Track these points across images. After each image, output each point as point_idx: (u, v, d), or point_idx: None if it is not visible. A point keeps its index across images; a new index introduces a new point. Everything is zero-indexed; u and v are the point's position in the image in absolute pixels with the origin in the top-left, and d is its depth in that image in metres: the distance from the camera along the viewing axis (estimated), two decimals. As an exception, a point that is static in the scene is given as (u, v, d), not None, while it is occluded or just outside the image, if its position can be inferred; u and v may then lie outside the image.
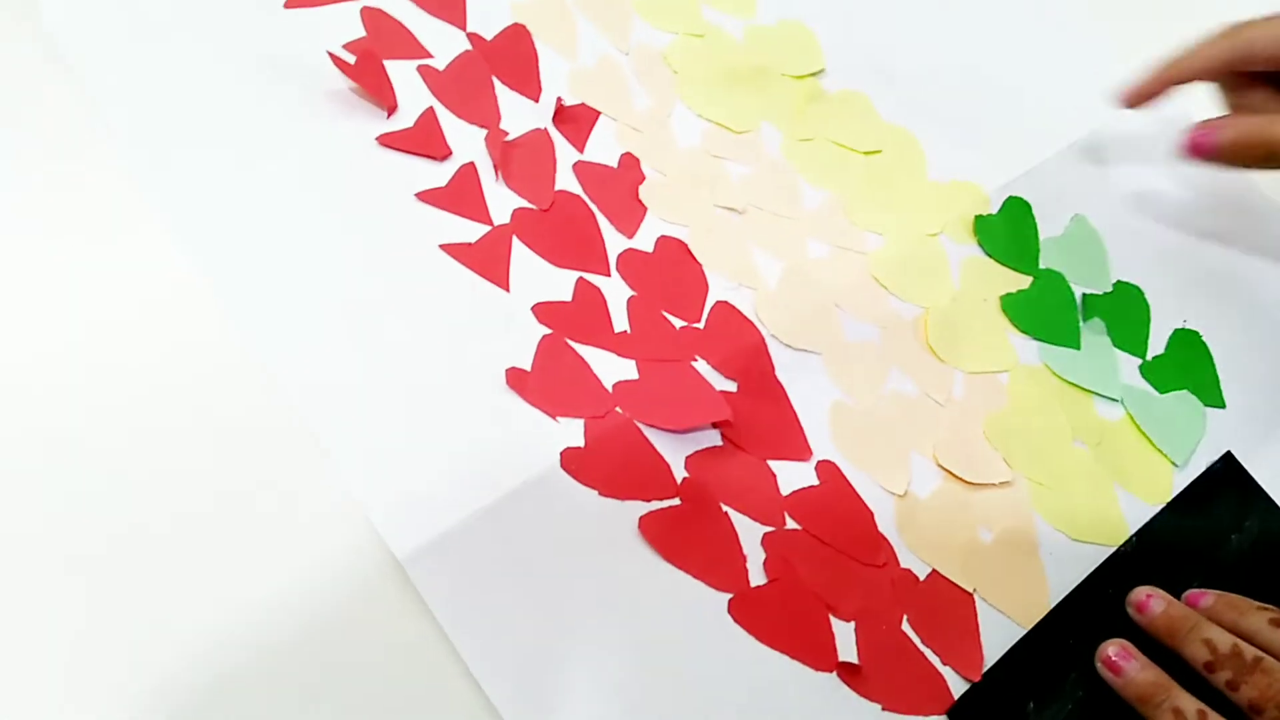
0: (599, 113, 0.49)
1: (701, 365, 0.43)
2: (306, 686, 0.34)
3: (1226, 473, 0.45)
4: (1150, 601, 0.40)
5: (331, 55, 0.45)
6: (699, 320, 0.44)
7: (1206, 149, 0.46)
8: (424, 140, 0.45)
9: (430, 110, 0.46)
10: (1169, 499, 0.44)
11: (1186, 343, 0.50)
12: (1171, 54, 0.47)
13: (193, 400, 0.38)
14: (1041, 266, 0.50)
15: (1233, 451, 0.46)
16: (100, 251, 0.41)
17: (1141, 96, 0.48)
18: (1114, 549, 0.42)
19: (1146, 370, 0.48)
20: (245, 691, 0.34)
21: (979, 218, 0.51)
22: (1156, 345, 0.49)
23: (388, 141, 0.45)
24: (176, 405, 0.38)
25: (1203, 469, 0.45)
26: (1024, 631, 0.40)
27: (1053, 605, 0.41)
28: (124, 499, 0.36)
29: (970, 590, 0.40)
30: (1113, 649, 0.38)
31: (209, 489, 0.37)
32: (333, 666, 0.34)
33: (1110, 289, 0.51)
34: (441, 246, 0.43)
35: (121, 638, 0.34)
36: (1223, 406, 0.48)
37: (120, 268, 0.41)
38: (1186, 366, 0.49)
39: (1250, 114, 0.47)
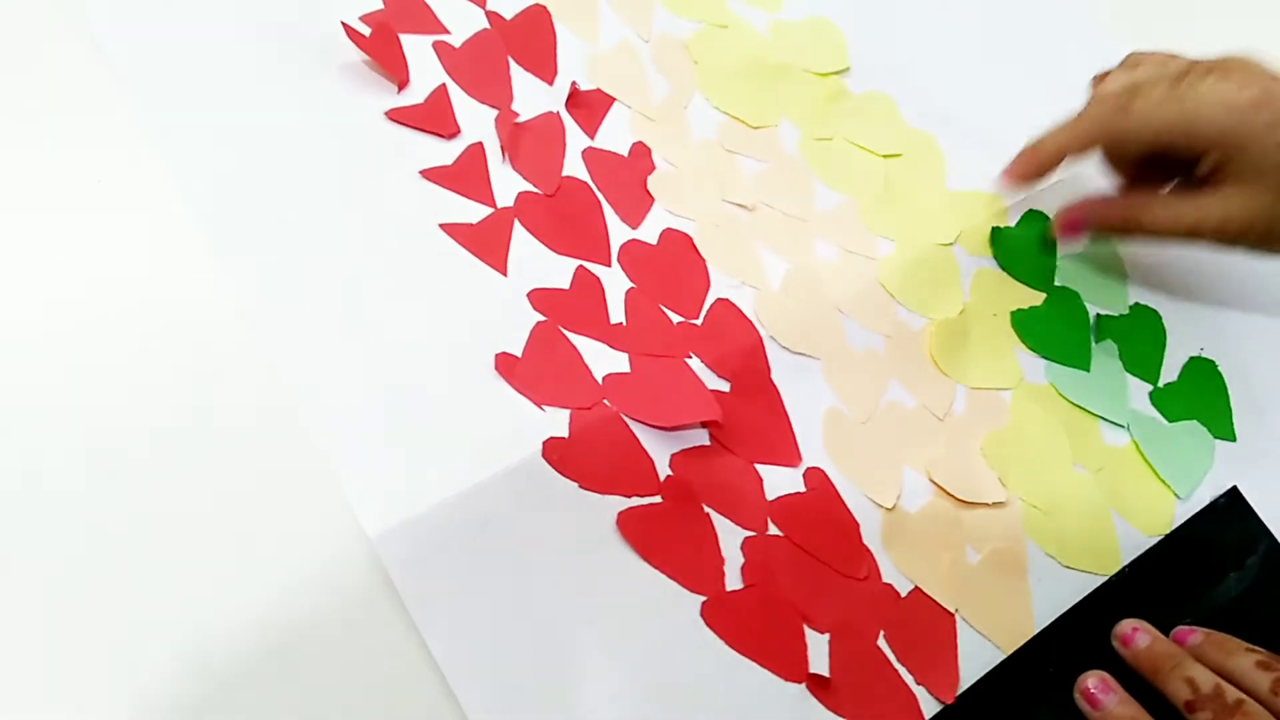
0: (614, 99, 0.49)
1: (695, 363, 0.42)
2: (270, 677, 0.34)
3: (1231, 508, 0.44)
4: (1136, 635, 0.39)
5: (345, 26, 0.44)
6: (697, 317, 0.43)
7: (1075, 230, 0.47)
8: (433, 117, 0.45)
9: (442, 87, 0.46)
10: (1168, 531, 0.43)
11: (1201, 372, 0.48)
12: (1038, 136, 0.45)
13: (177, 358, 0.38)
14: (1057, 284, 0.49)
15: (1239, 487, 0.44)
16: (104, 203, 0.41)
17: (1016, 180, 0.45)
18: (1105, 578, 0.41)
19: (1157, 397, 0.47)
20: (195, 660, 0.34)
21: (995, 230, 0.50)
22: (1169, 373, 0.48)
23: (396, 116, 0.45)
24: (160, 361, 0.38)
25: (1206, 502, 0.44)
26: (1004, 656, 0.39)
27: (1037, 631, 0.40)
28: (97, 455, 0.36)
29: (952, 610, 0.39)
30: (1092, 681, 0.37)
31: (182, 447, 0.37)
32: (299, 648, 0.34)
33: (1126, 311, 0.49)
34: (441, 226, 0.43)
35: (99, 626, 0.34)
36: (1233, 440, 0.46)
37: (122, 221, 0.41)
38: (1199, 396, 0.48)
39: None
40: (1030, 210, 0.51)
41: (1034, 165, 0.45)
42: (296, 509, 0.36)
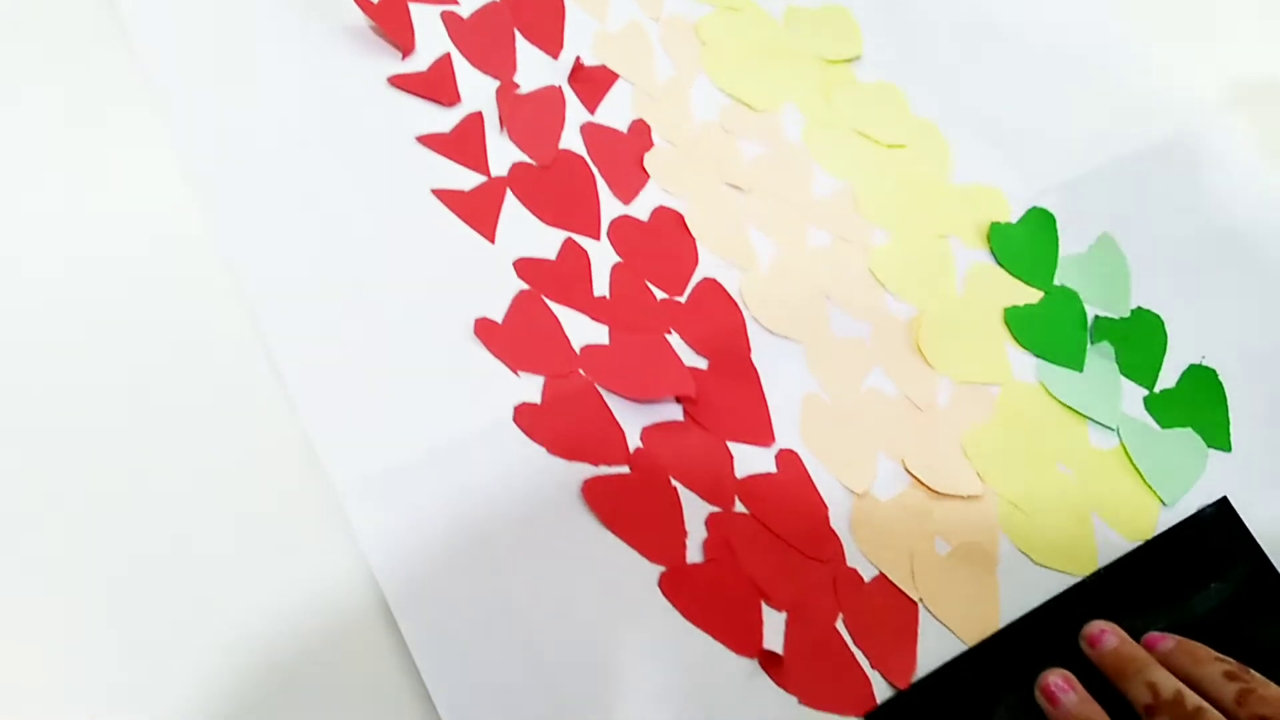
0: (617, 76, 0.49)
1: (675, 339, 0.42)
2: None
3: (1218, 518, 0.43)
4: (1104, 636, 0.38)
5: (355, -9, 0.45)
6: (682, 294, 0.44)
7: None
8: (435, 85, 0.46)
9: (446, 57, 0.47)
10: (1151, 537, 0.42)
11: (1201, 380, 0.47)
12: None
13: (161, 302, 0.39)
14: (1056, 283, 0.48)
15: (1231, 499, 0.44)
16: (102, 151, 0.42)
17: None
18: (1079, 579, 0.41)
19: (1151, 403, 0.46)
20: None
21: (995, 225, 0.49)
22: (1167, 379, 0.47)
23: (399, 82, 0.45)
24: (146, 303, 0.39)
25: (1193, 511, 0.43)
26: (965, 648, 0.39)
27: (1001, 626, 0.39)
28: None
29: (916, 599, 0.39)
30: (1055, 678, 0.37)
31: (159, 399, 0.38)
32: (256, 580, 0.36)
33: (1128, 314, 0.49)
34: (434, 191, 0.43)
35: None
36: (1228, 450, 0.45)
37: (117, 170, 0.42)
38: (1196, 404, 0.47)
39: None
40: (1034, 208, 0.50)
41: None
42: (266, 458, 0.37)
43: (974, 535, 0.41)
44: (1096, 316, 0.48)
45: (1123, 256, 0.50)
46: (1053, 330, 0.47)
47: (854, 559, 0.40)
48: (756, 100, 0.50)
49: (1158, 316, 0.49)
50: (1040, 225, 0.50)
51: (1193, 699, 0.35)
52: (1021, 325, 0.47)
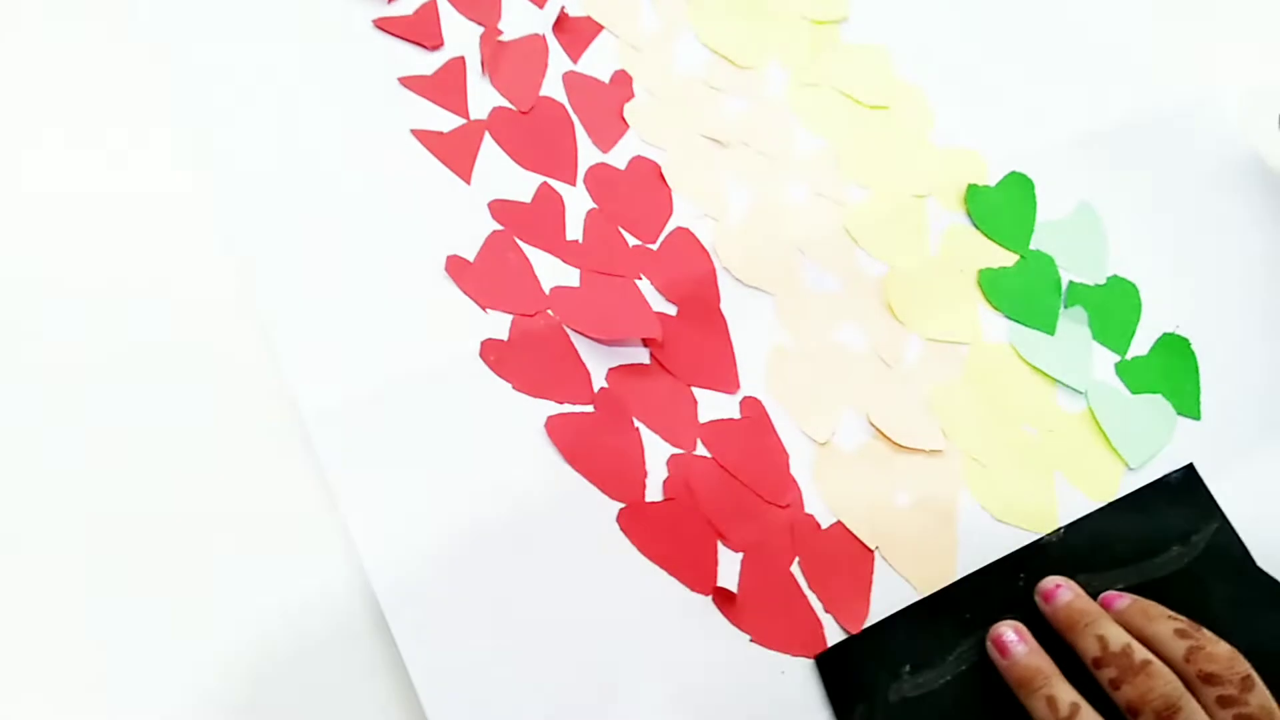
0: (601, 28, 0.49)
1: (645, 285, 0.43)
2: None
3: (1184, 484, 0.43)
4: (1058, 591, 0.38)
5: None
6: (654, 242, 0.44)
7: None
8: (420, 28, 0.46)
9: (432, 1, 0.47)
10: (1114, 498, 0.43)
11: (1173, 348, 0.48)
12: None
13: (133, 231, 0.40)
14: (1032, 248, 0.49)
15: (1198, 466, 0.44)
16: (79, 79, 0.43)
17: None
18: (1039, 536, 0.41)
19: (1123, 369, 0.46)
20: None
21: (972, 187, 0.49)
22: (1140, 347, 0.47)
23: (384, 25, 0.46)
24: (119, 233, 0.40)
25: (1159, 476, 0.43)
26: (919, 598, 0.39)
27: (958, 578, 0.40)
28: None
29: (872, 548, 0.40)
30: (1006, 629, 0.38)
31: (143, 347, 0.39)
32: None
33: (1103, 282, 0.49)
34: (413, 131, 0.44)
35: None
36: (1198, 418, 0.46)
37: (93, 95, 0.43)
38: (1167, 372, 0.47)
39: None
40: (1013, 172, 0.50)
41: None
42: (235, 388, 0.38)
43: (935, 489, 0.42)
44: (1071, 282, 0.48)
45: (1100, 225, 0.50)
46: (1026, 293, 0.47)
47: (812, 507, 0.40)
48: (741, 57, 0.50)
49: (1133, 285, 0.49)
50: (1018, 189, 0.50)
51: (1141, 652, 0.35)
52: (995, 287, 0.47)
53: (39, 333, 0.38)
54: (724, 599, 0.37)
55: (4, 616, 0.34)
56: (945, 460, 0.42)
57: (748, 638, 0.37)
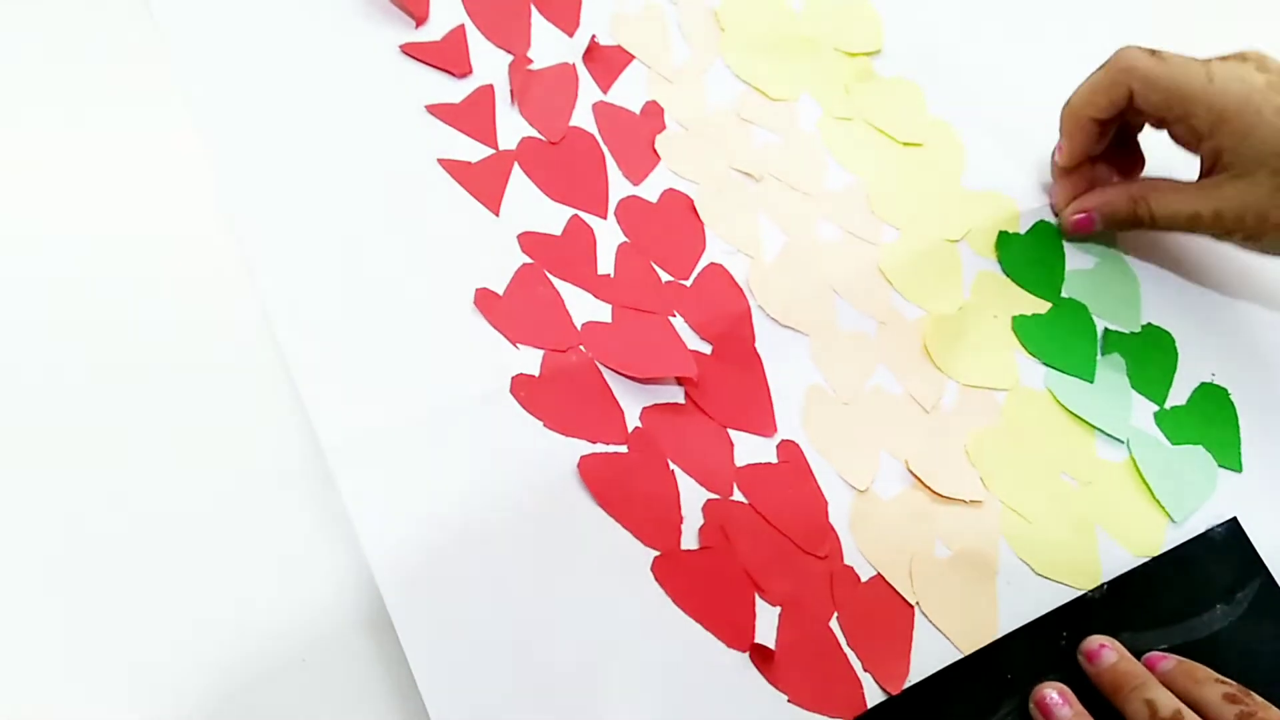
0: (633, 57, 0.48)
1: (679, 322, 0.41)
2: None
3: (1228, 539, 0.42)
4: (1103, 652, 0.37)
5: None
6: (687, 278, 0.43)
7: (1086, 227, 0.47)
8: (447, 55, 0.45)
9: (460, 27, 0.46)
10: (1157, 554, 0.41)
11: (1211, 398, 0.46)
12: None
13: (159, 266, 0.38)
14: (1064, 296, 0.48)
15: (1240, 520, 0.42)
16: (106, 111, 0.41)
17: (1075, 155, 0.46)
18: (1081, 592, 0.40)
19: (1162, 419, 0.45)
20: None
21: (1003, 234, 0.48)
22: (1178, 396, 0.46)
23: (411, 50, 0.45)
24: (144, 268, 0.38)
25: (1202, 530, 0.42)
26: (960, 656, 0.37)
27: (999, 636, 0.38)
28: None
29: (912, 603, 0.38)
30: (1050, 690, 0.36)
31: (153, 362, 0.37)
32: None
33: (1138, 330, 0.48)
34: (440, 161, 0.42)
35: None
36: (1239, 470, 0.44)
37: (124, 129, 0.41)
38: (1207, 422, 0.46)
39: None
40: (1041, 221, 0.49)
41: (1082, 129, 0.45)
42: (259, 419, 0.36)
43: (975, 541, 0.40)
44: (1106, 330, 0.47)
45: (1131, 272, 0.50)
46: (1062, 340, 0.46)
47: (851, 557, 0.38)
48: (773, 89, 0.49)
49: (1168, 333, 0.48)
50: (1045, 238, 0.50)
51: (1191, 718, 0.34)
52: (1030, 333, 0.46)
53: (55, 335, 0.36)
54: (762, 656, 0.35)
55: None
56: (984, 511, 0.41)
57: (785, 698, 0.35)
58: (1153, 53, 0.42)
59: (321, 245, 0.40)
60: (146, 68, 0.42)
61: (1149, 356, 0.47)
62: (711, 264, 0.43)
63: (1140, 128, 0.47)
